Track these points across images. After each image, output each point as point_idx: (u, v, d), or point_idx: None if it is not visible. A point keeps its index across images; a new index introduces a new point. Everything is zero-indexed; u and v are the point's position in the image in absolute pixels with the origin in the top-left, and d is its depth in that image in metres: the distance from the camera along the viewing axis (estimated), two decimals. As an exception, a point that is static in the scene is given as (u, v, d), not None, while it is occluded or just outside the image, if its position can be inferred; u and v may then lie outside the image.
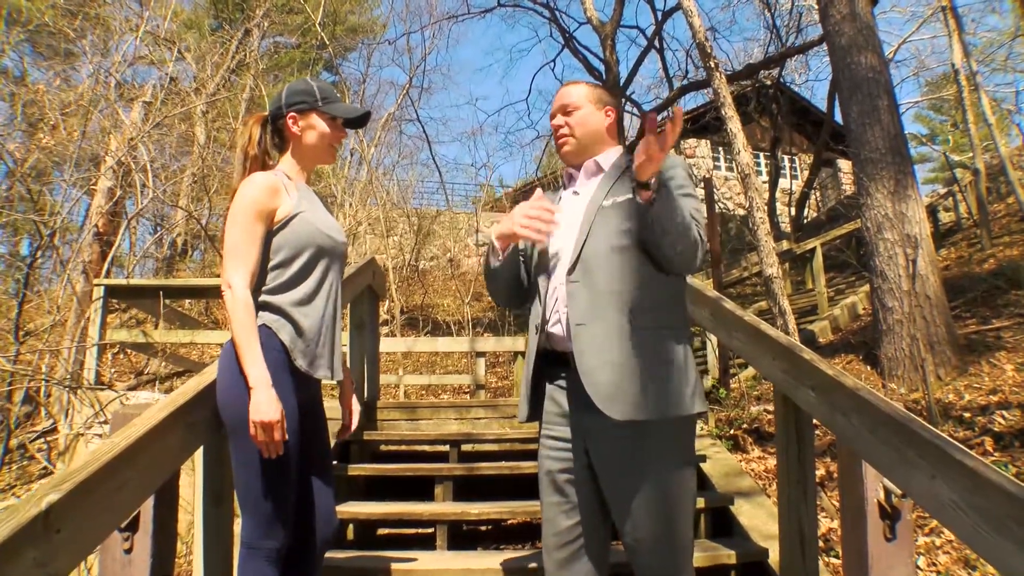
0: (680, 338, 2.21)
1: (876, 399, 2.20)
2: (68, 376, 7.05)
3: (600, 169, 2.39)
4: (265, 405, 2.23)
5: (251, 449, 2.29)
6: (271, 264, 2.45)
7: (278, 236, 2.46)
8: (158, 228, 15.45)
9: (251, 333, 2.31)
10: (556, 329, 2.26)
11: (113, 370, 10.51)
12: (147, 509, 2.34)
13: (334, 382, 2.69)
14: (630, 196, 2.22)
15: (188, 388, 2.42)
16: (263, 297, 2.43)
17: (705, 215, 2.20)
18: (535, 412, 2.38)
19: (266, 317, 2.40)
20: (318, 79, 2.77)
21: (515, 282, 2.49)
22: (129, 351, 10.32)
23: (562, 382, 2.28)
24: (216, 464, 2.69)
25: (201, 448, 2.65)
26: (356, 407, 2.90)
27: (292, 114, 2.58)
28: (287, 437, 2.29)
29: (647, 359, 2.13)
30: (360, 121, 2.77)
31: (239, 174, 2.59)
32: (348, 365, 5.11)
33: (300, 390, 2.44)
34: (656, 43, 18.17)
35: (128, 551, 2.35)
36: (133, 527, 2.34)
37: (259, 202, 2.41)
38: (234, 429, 2.33)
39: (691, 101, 23.79)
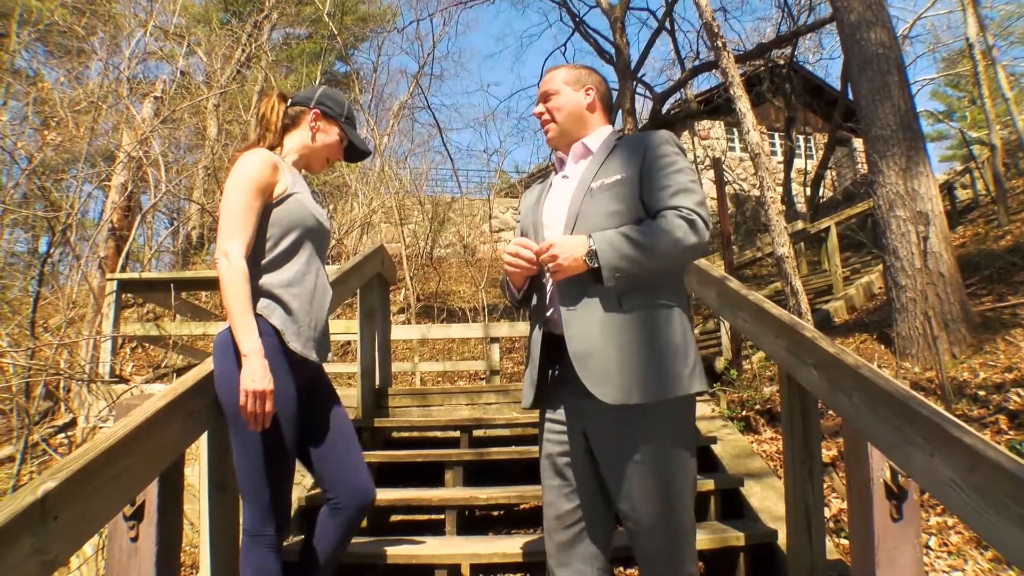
0: (675, 316, 2.18)
1: (876, 376, 2.17)
2: (82, 371, 7.11)
3: (588, 151, 2.38)
4: (256, 374, 2.25)
5: (250, 438, 2.33)
6: (266, 236, 2.48)
7: (273, 212, 2.50)
8: (174, 222, 15.56)
9: (245, 301, 2.32)
10: (553, 314, 2.27)
11: (132, 364, 10.61)
12: (152, 498, 2.37)
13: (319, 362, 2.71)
14: (618, 176, 2.23)
15: (188, 378, 2.45)
16: (251, 280, 2.42)
17: (699, 188, 2.17)
18: (540, 397, 2.38)
19: (256, 305, 2.40)
20: (348, 100, 2.86)
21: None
22: (147, 345, 10.41)
23: (562, 366, 2.28)
24: (219, 452, 2.74)
25: (205, 437, 2.69)
26: None
27: (317, 111, 2.71)
28: (275, 410, 2.31)
29: (638, 341, 2.11)
30: (360, 154, 2.88)
31: (251, 142, 2.72)
32: (358, 353, 5.15)
33: (297, 374, 2.46)
34: (667, 25, 18.05)
35: (134, 539, 2.38)
36: (139, 516, 2.37)
37: (262, 175, 2.45)
38: (232, 418, 2.36)
39: (704, 83, 23.68)
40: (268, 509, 2.38)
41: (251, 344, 2.28)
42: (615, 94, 16.94)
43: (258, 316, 2.39)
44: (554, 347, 2.27)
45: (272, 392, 2.27)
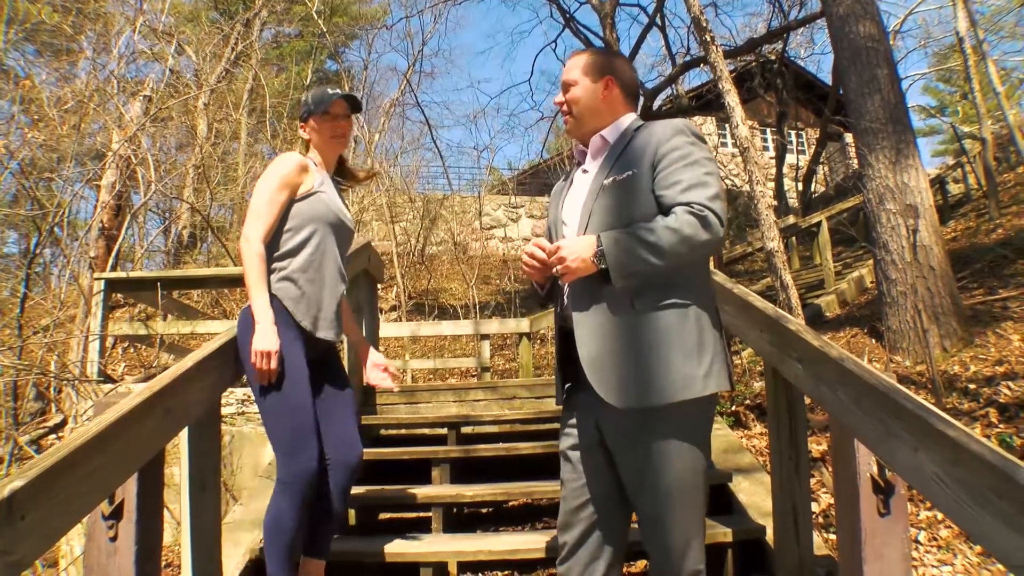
0: (689, 316, 2.12)
1: (860, 369, 2.15)
2: (67, 371, 7.06)
3: (606, 143, 2.33)
4: (266, 336, 2.63)
5: (270, 400, 2.69)
6: (288, 227, 2.85)
7: (296, 205, 2.87)
8: (165, 222, 15.48)
9: (259, 277, 2.71)
10: (568, 314, 2.25)
11: (123, 364, 10.55)
12: (131, 497, 2.34)
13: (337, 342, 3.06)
14: (629, 172, 2.18)
15: (165, 375, 2.43)
16: (271, 264, 2.80)
17: (715, 180, 2.12)
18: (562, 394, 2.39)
19: (273, 283, 2.77)
20: (315, 89, 3.13)
21: None
22: (139, 346, 10.35)
23: (577, 365, 2.23)
24: (200, 451, 2.74)
25: (186, 437, 2.68)
26: (379, 361, 3.26)
27: (301, 124, 3.08)
28: (277, 367, 2.64)
29: (647, 343, 2.08)
30: (351, 101, 3.12)
31: None
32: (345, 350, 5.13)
33: (310, 348, 2.81)
34: (657, 20, 17.99)
35: (113, 539, 2.34)
36: (117, 515, 2.34)
37: (287, 174, 2.84)
38: (252, 382, 2.73)
39: (696, 79, 23.62)
40: (294, 455, 2.67)
41: (261, 312, 2.66)
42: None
43: (273, 296, 2.75)
44: (572, 346, 2.24)
45: (277, 351, 2.63)
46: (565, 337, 2.28)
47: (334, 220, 2.95)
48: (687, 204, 2.06)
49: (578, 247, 2.10)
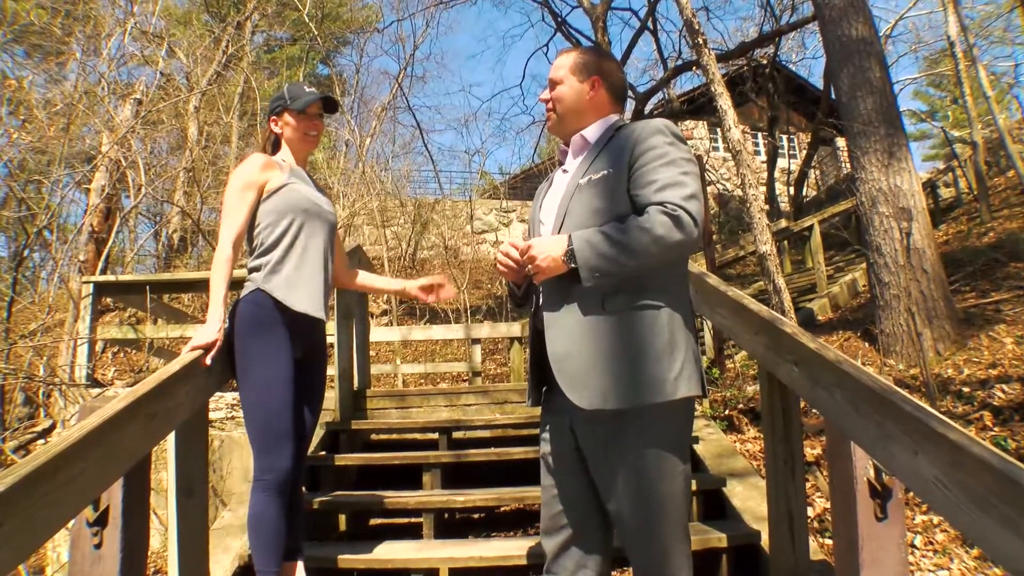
0: (661, 318, 2.07)
1: (857, 372, 2.11)
2: (52, 375, 6.99)
3: (587, 143, 2.30)
4: (208, 332, 2.69)
5: (254, 398, 2.74)
6: (265, 224, 2.91)
7: (269, 201, 2.92)
8: (156, 225, 15.41)
9: (220, 280, 2.74)
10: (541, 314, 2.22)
11: (113, 369, 10.48)
12: (116, 503, 2.31)
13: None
14: (604, 172, 2.15)
15: (150, 379, 2.39)
16: (257, 260, 2.88)
17: (691, 180, 2.08)
18: (540, 396, 2.35)
19: (260, 280, 2.83)
20: (292, 83, 3.22)
21: None
22: (129, 350, 10.28)
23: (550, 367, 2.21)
24: (186, 457, 2.71)
25: (173, 442, 2.65)
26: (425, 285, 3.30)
27: (272, 117, 3.12)
28: (210, 364, 2.67)
29: (616, 345, 2.04)
30: (328, 103, 3.17)
31: None
32: (335, 355, 5.09)
33: (297, 340, 2.87)
34: (649, 24, 18.01)
35: (98, 546, 2.31)
36: (102, 522, 2.30)
37: (249, 174, 2.90)
38: (237, 379, 2.79)
39: (687, 83, 23.67)
40: (269, 456, 2.73)
41: (214, 311, 2.72)
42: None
43: (261, 293, 2.81)
44: (545, 347, 2.21)
45: (210, 344, 2.68)
46: (539, 337, 2.24)
47: (310, 207, 2.99)
48: (660, 204, 2.02)
49: (549, 246, 2.08)
